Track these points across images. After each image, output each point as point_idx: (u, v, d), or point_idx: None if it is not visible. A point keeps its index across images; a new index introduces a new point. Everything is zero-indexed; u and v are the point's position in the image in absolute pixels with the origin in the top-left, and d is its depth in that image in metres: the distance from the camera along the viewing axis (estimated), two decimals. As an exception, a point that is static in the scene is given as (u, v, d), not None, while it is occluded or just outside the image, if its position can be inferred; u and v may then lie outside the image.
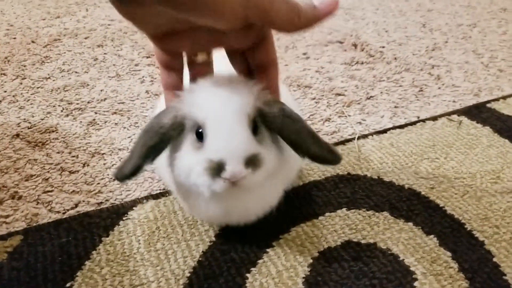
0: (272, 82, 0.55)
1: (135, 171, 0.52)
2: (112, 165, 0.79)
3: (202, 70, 0.55)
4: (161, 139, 0.52)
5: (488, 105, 0.94)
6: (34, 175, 0.76)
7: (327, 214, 0.67)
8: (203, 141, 0.51)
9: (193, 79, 0.56)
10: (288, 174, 0.62)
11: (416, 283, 0.56)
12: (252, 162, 0.50)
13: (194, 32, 0.49)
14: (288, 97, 0.72)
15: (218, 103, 0.51)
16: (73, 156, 0.81)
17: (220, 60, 0.57)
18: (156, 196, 0.71)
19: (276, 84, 0.56)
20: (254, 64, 0.54)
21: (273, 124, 0.52)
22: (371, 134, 0.85)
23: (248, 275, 0.57)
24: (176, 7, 0.42)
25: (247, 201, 0.56)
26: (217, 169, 0.49)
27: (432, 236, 0.63)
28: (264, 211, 0.60)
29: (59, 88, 1.02)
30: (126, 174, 0.53)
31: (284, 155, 0.56)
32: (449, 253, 0.60)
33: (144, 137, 0.53)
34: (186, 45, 0.51)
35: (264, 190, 0.56)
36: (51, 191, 0.73)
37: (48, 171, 0.77)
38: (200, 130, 0.51)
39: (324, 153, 0.53)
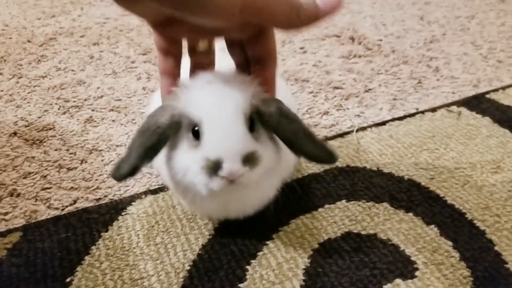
0: (268, 75, 0.54)
1: (132, 171, 0.52)
2: (110, 162, 0.79)
3: (203, 58, 0.55)
4: (159, 139, 0.51)
5: (488, 95, 0.94)
6: (32, 172, 0.76)
7: (326, 206, 0.66)
8: (199, 140, 0.50)
9: (194, 67, 0.55)
10: (285, 168, 0.62)
11: (417, 273, 0.56)
12: (249, 160, 0.49)
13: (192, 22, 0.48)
14: (285, 92, 0.72)
15: (214, 101, 0.51)
16: (71, 153, 0.80)
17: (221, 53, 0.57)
18: (154, 191, 0.70)
19: (273, 78, 0.55)
20: (252, 56, 0.53)
21: (270, 123, 0.52)
22: (370, 126, 0.85)
23: (248, 267, 0.57)
24: (170, 5, 0.41)
25: (244, 196, 0.56)
26: (214, 167, 0.48)
27: (432, 226, 0.62)
28: (261, 205, 0.60)
29: (55, 86, 1.02)
30: (124, 174, 0.52)
31: (281, 150, 0.56)
32: (450, 243, 0.60)
33: (141, 137, 0.52)
34: (185, 33, 0.51)
35: (261, 185, 0.56)
36: (50, 188, 0.73)
37: (46, 168, 0.77)
38: (196, 129, 0.51)
39: (319, 153, 0.53)
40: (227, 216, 0.61)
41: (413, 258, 0.58)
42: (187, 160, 0.51)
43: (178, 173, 0.53)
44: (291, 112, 0.52)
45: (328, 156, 0.53)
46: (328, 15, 0.47)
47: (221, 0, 0.41)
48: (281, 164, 0.58)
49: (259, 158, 0.50)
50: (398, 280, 0.55)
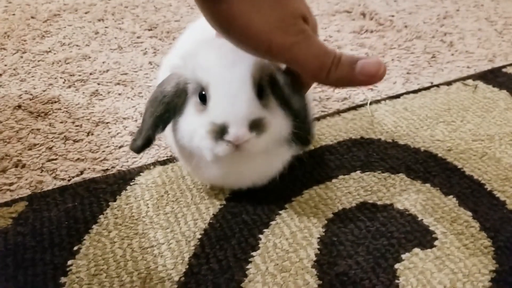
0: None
1: (147, 142, 0.53)
2: (117, 134, 0.77)
3: None
4: (166, 108, 0.51)
5: (504, 70, 0.91)
6: (38, 144, 0.74)
7: (340, 177, 0.64)
8: (206, 104, 0.49)
9: None
10: None
11: (436, 242, 0.54)
12: (256, 126, 0.48)
13: None
14: None
15: (222, 65, 0.49)
16: (77, 126, 0.79)
17: None
18: (163, 162, 0.68)
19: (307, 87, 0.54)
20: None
21: (281, 92, 0.51)
22: (384, 99, 0.82)
23: (261, 236, 0.55)
24: (216, 29, 0.45)
25: (249, 166, 0.55)
26: (220, 132, 0.48)
27: (451, 196, 0.60)
28: (267, 178, 0.58)
29: (60, 61, 0.99)
30: (140, 145, 0.53)
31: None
32: (469, 213, 0.58)
33: (150, 107, 0.52)
34: None
35: (268, 156, 0.55)
36: (55, 159, 0.71)
37: (52, 140, 0.75)
38: (203, 93, 0.50)
39: (309, 133, 0.54)
40: (232, 186, 0.60)
41: (431, 228, 0.56)
42: (193, 124, 0.50)
43: (184, 137, 0.52)
44: (301, 87, 0.52)
45: (311, 136, 0.54)
46: (363, 85, 0.45)
47: (250, 40, 0.43)
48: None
49: (266, 125, 0.49)
50: (416, 250, 0.53)
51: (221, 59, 0.50)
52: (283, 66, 0.53)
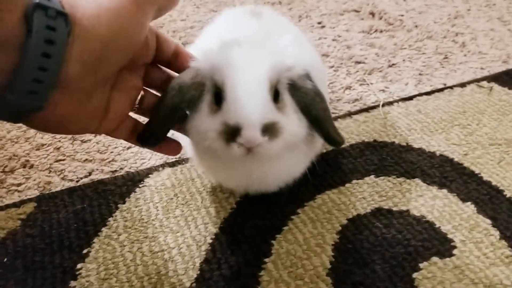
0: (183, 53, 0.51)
1: (159, 134, 0.49)
2: (125, 134, 0.75)
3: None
4: (181, 99, 0.49)
5: (519, 71, 0.89)
6: (45, 144, 0.73)
7: (354, 181, 0.63)
8: (221, 105, 0.48)
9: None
10: (313, 146, 0.59)
11: (455, 251, 0.52)
12: (269, 130, 0.47)
13: None
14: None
15: (239, 67, 0.48)
16: (85, 125, 0.77)
17: None
18: (172, 164, 0.67)
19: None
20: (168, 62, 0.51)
21: (304, 98, 0.50)
22: (397, 101, 0.81)
23: (273, 242, 0.54)
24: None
25: (266, 170, 0.53)
26: (232, 133, 0.46)
27: (469, 203, 0.59)
28: (284, 182, 0.57)
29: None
30: (152, 137, 0.49)
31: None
32: (488, 221, 0.56)
33: (166, 97, 0.49)
34: None
35: (285, 161, 0.53)
36: (63, 160, 0.70)
37: (60, 140, 0.74)
38: (218, 93, 0.48)
39: (336, 135, 0.53)
40: (246, 188, 0.58)
41: (450, 236, 0.54)
42: (206, 124, 0.49)
43: (196, 136, 0.50)
44: (321, 92, 0.51)
45: (341, 138, 0.53)
46: None
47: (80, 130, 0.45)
48: (309, 142, 0.55)
49: (280, 130, 0.48)
50: (435, 258, 0.51)
51: (238, 61, 0.49)
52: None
